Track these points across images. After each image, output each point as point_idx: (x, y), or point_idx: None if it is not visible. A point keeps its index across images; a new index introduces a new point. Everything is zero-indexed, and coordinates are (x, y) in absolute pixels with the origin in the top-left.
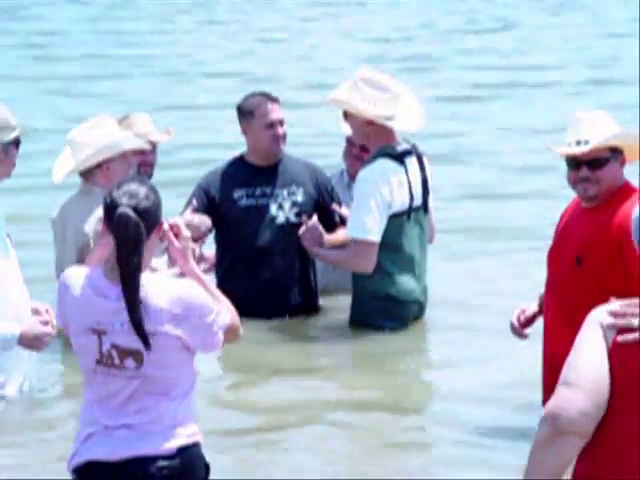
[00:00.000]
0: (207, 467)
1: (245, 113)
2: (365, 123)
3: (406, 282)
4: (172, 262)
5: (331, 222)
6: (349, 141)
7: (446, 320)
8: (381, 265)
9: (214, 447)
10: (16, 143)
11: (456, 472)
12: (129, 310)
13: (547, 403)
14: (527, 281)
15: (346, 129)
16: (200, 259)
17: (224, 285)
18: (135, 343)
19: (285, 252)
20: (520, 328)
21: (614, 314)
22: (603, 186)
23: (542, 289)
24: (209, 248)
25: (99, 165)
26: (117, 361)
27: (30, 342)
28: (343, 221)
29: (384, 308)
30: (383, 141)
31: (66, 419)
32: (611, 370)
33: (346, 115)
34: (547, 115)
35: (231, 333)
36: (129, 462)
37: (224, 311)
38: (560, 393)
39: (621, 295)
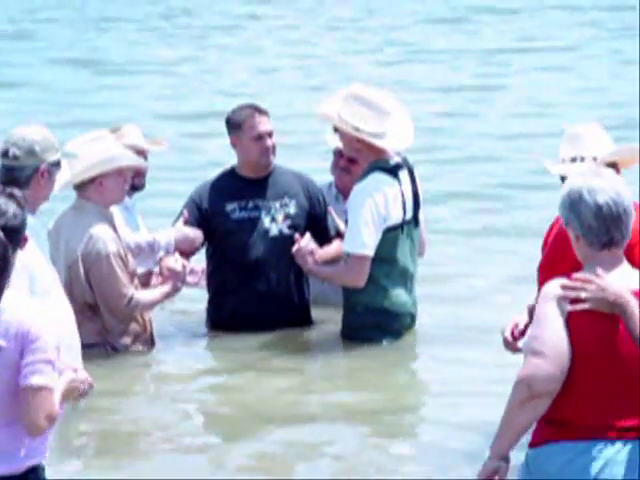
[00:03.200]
0: None
1: (234, 126)
2: (354, 139)
3: (399, 295)
4: (163, 280)
5: (324, 233)
6: (337, 153)
7: (436, 332)
8: (375, 278)
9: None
10: (58, 165)
11: None
12: None
13: (520, 371)
14: (507, 295)
15: (333, 142)
16: (190, 272)
17: (217, 298)
18: None
19: (278, 264)
20: (514, 342)
21: (565, 287)
22: None
23: (528, 301)
24: (198, 261)
25: (92, 180)
26: None
27: None
28: (338, 233)
29: (378, 321)
30: (374, 155)
31: None
32: (569, 337)
33: (336, 128)
34: None
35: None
36: None
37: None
38: (530, 362)
39: None
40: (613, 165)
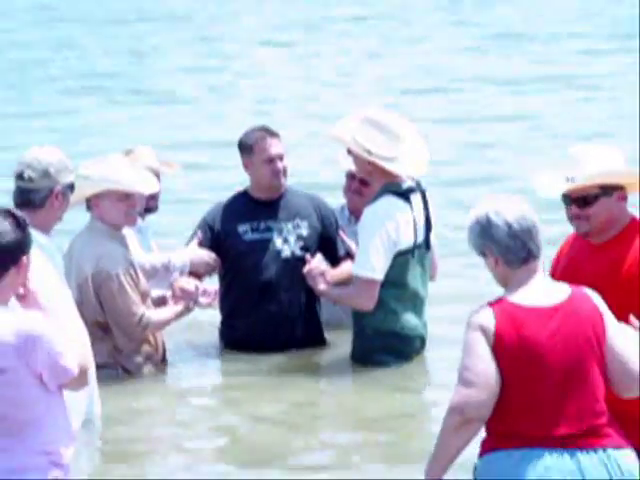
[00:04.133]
0: None
1: (245, 148)
2: (366, 162)
3: (410, 318)
4: (175, 300)
5: (336, 255)
6: (349, 176)
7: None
8: (385, 302)
9: None
10: (72, 187)
11: None
12: None
13: (452, 398)
14: None
15: (346, 165)
16: (203, 293)
17: (230, 320)
18: None
19: (291, 286)
20: None
21: None
22: (594, 222)
23: None
24: (210, 282)
25: (89, 200)
26: None
27: None
28: (349, 255)
29: (388, 344)
30: (387, 178)
31: None
32: (497, 361)
33: (349, 150)
34: None
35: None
36: None
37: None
38: (460, 391)
39: None
40: (620, 188)
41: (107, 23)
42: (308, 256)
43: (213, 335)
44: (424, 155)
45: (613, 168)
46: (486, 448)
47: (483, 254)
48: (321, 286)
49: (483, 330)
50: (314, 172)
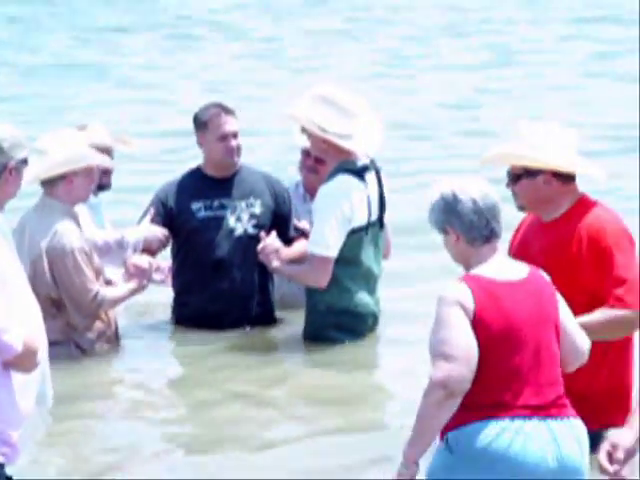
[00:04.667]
0: None
1: (200, 124)
2: (321, 140)
3: (363, 296)
4: (129, 277)
5: (288, 233)
6: (304, 153)
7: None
8: (339, 279)
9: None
10: (26, 162)
11: None
12: None
13: (432, 374)
14: None
15: (300, 141)
16: (156, 270)
17: (182, 297)
18: None
19: (243, 264)
20: None
21: None
22: (523, 199)
23: None
24: (162, 259)
25: (63, 177)
26: None
27: None
28: (302, 233)
29: (341, 321)
30: (342, 156)
31: None
32: (476, 334)
33: (303, 128)
34: None
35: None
36: None
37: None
38: (443, 365)
39: (583, 310)
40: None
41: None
42: (262, 234)
43: (165, 313)
44: (378, 132)
45: (519, 151)
46: (463, 420)
47: (444, 230)
48: (275, 263)
49: (462, 305)
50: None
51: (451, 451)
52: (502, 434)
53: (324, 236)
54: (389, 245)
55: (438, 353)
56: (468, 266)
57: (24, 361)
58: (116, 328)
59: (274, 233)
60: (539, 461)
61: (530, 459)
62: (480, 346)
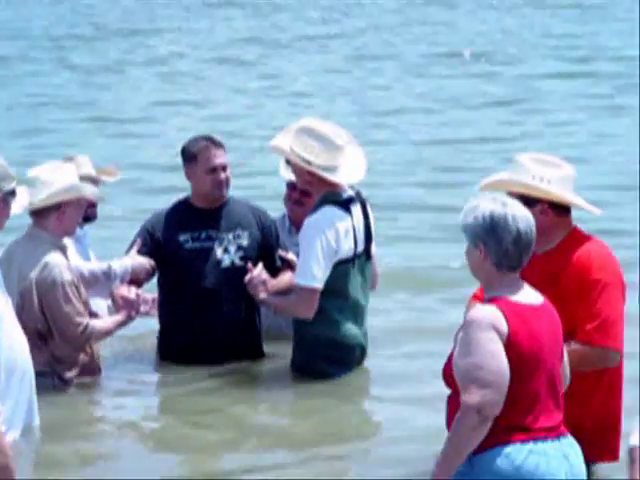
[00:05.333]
0: None
1: (188, 157)
2: (306, 173)
3: (350, 327)
4: (117, 309)
5: (275, 264)
6: (289, 186)
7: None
8: (326, 311)
9: None
10: (13, 194)
11: None
12: None
13: (466, 399)
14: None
15: (286, 174)
16: (143, 302)
17: (169, 329)
18: None
19: (231, 295)
20: None
21: None
22: None
23: None
24: (148, 291)
25: (57, 207)
26: None
27: None
28: (288, 265)
29: (328, 353)
30: (327, 188)
31: None
32: (508, 358)
33: (288, 161)
34: None
35: None
36: None
37: None
38: (476, 391)
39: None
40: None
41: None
42: (250, 265)
43: (150, 344)
44: (361, 162)
45: (519, 179)
46: (489, 443)
47: (475, 245)
48: (262, 294)
49: (495, 328)
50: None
51: (479, 474)
52: (529, 457)
53: (310, 267)
54: (377, 276)
55: (472, 378)
56: (488, 285)
57: None
58: (98, 360)
59: (261, 265)
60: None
61: (553, 479)
62: (511, 369)
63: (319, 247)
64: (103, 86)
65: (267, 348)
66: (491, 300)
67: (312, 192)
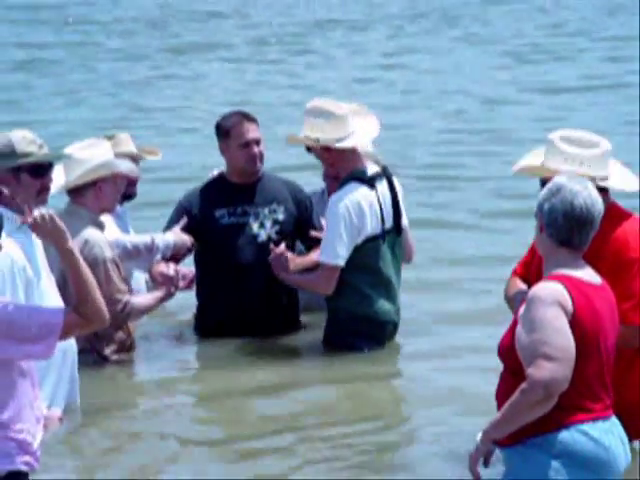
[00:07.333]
0: None
1: (222, 132)
2: (322, 151)
3: (383, 303)
4: (156, 285)
5: (310, 239)
6: None
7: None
8: (359, 287)
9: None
10: (33, 169)
11: None
12: None
13: (532, 373)
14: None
15: None
16: (182, 277)
17: (206, 303)
18: None
19: (267, 270)
20: None
21: None
22: None
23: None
24: (186, 265)
25: (93, 183)
26: None
27: None
28: (319, 243)
29: (362, 329)
30: (350, 165)
31: None
32: (574, 335)
33: (309, 149)
34: None
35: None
36: None
37: None
38: (545, 366)
39: None
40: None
41: None
42: (272, 245)
43: (185, 320)
44: (372, 122)
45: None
46: (555, 423)
47: (535, 215)
48: (283, 273)
49: (561, 305)
50: None
51: (552, 454)
52: (603, 436)
53: (333, 245)
54: (411, 249)
55: (538, 353)
56: (546, 260)
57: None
58: (133, 337)
59: (283, 245)
60: (622, 457)
61: (619, 456)
62: (576, 346)
63: (342, 225)
64: None
65: (306, 319)
66: (553, 277)
67: (339, 172)
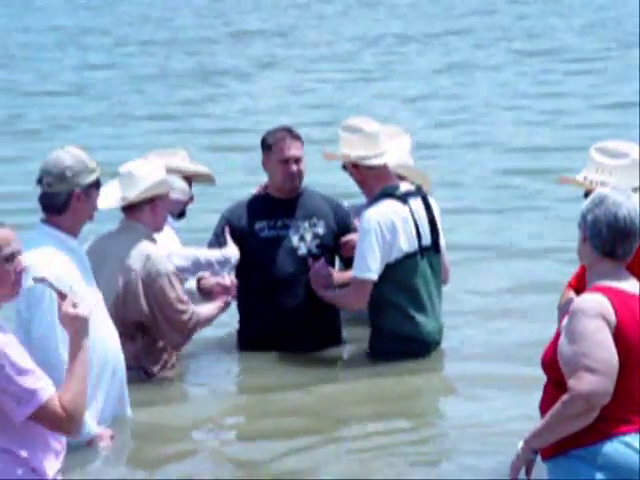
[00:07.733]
0: None
1: (265, 146)
2: (351, 168)
3: (426, 323)
4: (214, 295)
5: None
6: None
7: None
8: (400, 306)
9: None
10: (97, 185)
11: None
12: None
13: (574, 385)
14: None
15: None
16: (224, 290)
17: (246, 316)
18: None
19: (307, 283)
20: None
21: None
22: None
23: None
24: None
25: (150, 200)
26: None
27: None
28: None
29: (406, 349)
30: (382, 182)
31: None
32: (616, 347)
33: (344, 167)
34: None
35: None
36: None
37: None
38: (587, 378)
39: None
40: None
41: None
42: (311, 260)
43: (226, 334)
44: (404, 145)
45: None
46: (597, 436)
47: (579, 225)
48: (321, 290)
49: (604, 317)
50: None
51: (596, 466)
52: (630, 451)
53: (365, 259)
54: (447, 271)
55: (580, 366)
56: (589, 270)
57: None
58: (175, 355)
59: (323, 259)
60: None
61: None
62: (619, 359)
63: (374, 239)
64: None
65: (347, 334)
66: (597, 289)
67: (372, 190)
